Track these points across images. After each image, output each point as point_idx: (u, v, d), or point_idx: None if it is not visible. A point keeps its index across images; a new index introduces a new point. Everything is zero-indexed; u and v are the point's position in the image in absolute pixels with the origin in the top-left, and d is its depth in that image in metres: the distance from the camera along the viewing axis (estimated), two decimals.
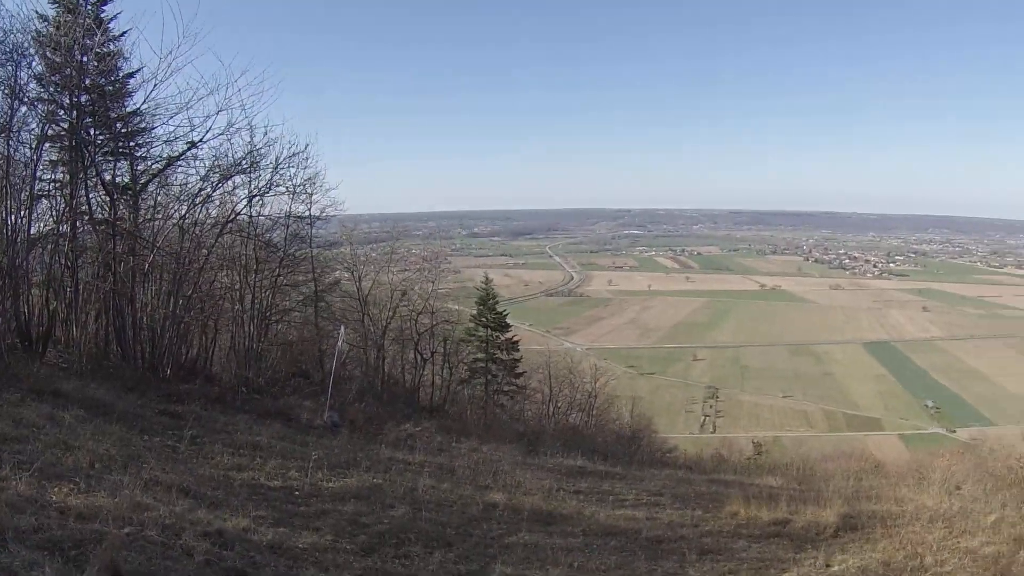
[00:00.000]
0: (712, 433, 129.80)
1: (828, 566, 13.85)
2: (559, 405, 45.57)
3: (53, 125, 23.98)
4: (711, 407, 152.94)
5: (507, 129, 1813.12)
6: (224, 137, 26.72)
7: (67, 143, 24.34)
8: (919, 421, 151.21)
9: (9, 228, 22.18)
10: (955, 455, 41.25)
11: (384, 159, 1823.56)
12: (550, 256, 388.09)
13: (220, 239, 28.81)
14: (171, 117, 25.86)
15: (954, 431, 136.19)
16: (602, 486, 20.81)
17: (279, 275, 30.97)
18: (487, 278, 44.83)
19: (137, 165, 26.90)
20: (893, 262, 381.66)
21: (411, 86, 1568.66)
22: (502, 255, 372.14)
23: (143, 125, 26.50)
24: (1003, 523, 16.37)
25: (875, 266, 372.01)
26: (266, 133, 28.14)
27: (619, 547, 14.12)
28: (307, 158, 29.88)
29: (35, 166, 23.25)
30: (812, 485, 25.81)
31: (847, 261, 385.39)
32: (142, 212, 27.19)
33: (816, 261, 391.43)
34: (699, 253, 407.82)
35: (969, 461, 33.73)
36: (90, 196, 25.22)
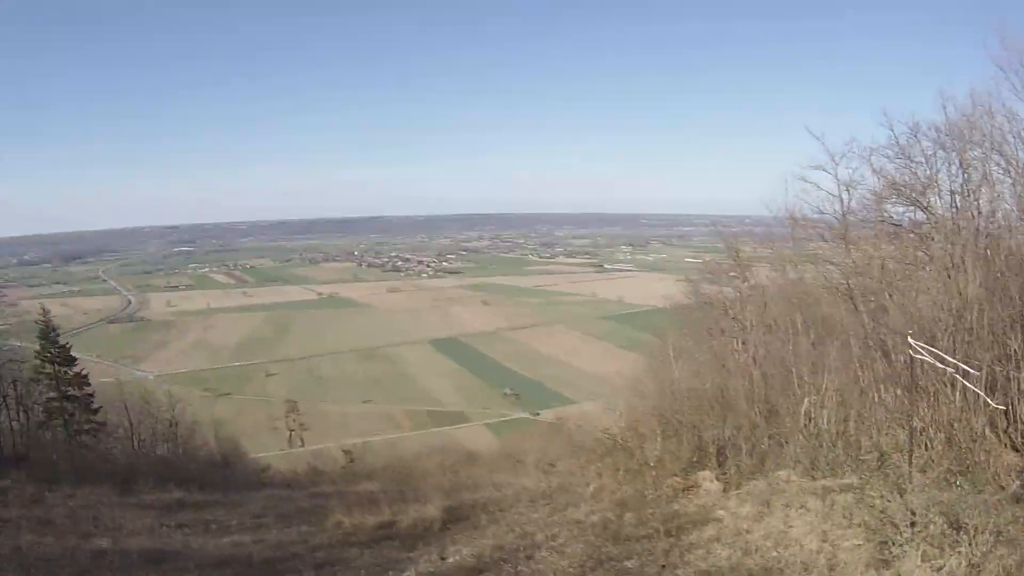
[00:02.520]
0: (301, 447, 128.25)
1: (443, 558, 14.73)
2: (143, 438, 43.92)
3: None
4: (295, 420, 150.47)
5: (42, 144, 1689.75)
6: None
7: None
8: (502, 409, 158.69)
9: None
10: (544, 436, 44.26)
11: None
12: (105, 280, 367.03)
13: None
14: None
15: (538, 414, 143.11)
16: (204, 516, 20.76)
17: None
18: (44, 309, 42.09)
19: None
20: (446, 261, 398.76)
21: None
22: (56, 283, 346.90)
23: None
24: (603, 491, 18.14)
25: (428, 266, 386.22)
26: None
27: (235, 575, 14.41)
28: None
29: None
30: (411, 484, 26.91)
31: (400, 263, 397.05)
32: None
33: (370, 266, 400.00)
34: (252, 267, 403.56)
35: (559, 440, 36.42)
36: None
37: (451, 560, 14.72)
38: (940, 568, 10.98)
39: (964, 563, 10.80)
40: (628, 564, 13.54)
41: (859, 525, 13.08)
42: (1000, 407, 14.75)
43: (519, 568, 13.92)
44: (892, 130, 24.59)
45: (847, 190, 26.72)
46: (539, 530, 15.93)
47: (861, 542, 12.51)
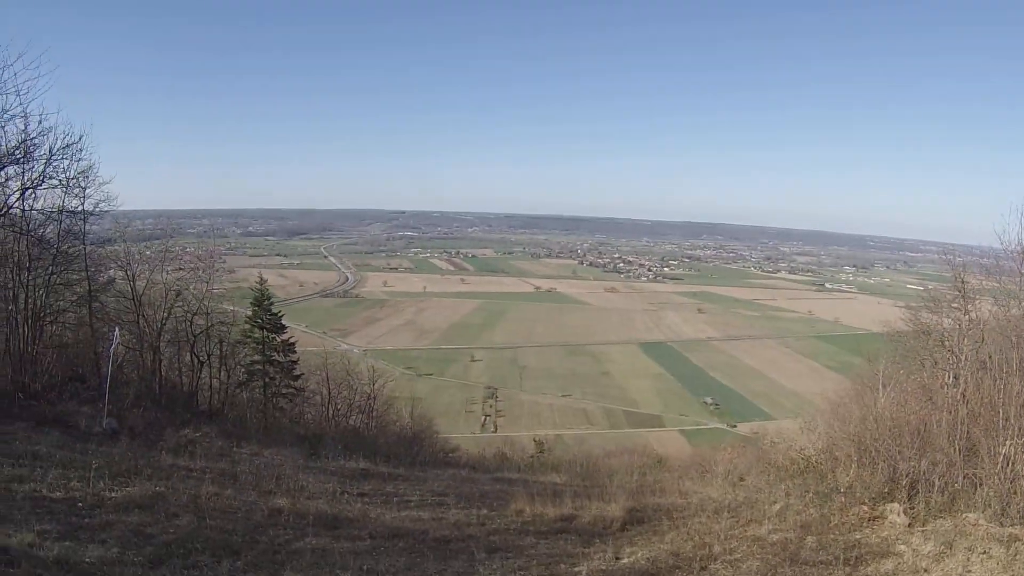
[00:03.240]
0: (494, 432, 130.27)
1: (618, 558, 14.43)
2: (339, 407, 45.09)
3: None
4: (491, 407, 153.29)
5: (282, 127, 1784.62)
6: None
7: None
8: (699, 417, 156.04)
9: None
10: (737, 449, 43.23)
11: (157, 154, 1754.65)
12: (325, 256, 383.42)
13: None
14: None
15: (735, 426, 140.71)
16: (386, 488, 20.95)
17: (52, 273, 29.46)
18: (262, 278, 43.74)
19: None
20: (667, 267, 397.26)
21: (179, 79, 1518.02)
22: (277, 255, 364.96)
23: None
24: (788, 511, 17.41)
25: (649, 270, 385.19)
26: (40, 121, 26.71)
27: (407, 548, 14.34)
28: (81, 150, 28.41)
29: None
30: (596, 481, 26.64)
31: (621, 265, 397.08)
32: None
33: (591, 265, 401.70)
34: (474, 255, 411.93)
35: (751, 454, 35.50)
36: None
37: (625, 561, 14.43)
38: None
39: None
40: None
41: None
42: None
43: None
44: None
45: None
46: (718, 542, 15.43)
47: None
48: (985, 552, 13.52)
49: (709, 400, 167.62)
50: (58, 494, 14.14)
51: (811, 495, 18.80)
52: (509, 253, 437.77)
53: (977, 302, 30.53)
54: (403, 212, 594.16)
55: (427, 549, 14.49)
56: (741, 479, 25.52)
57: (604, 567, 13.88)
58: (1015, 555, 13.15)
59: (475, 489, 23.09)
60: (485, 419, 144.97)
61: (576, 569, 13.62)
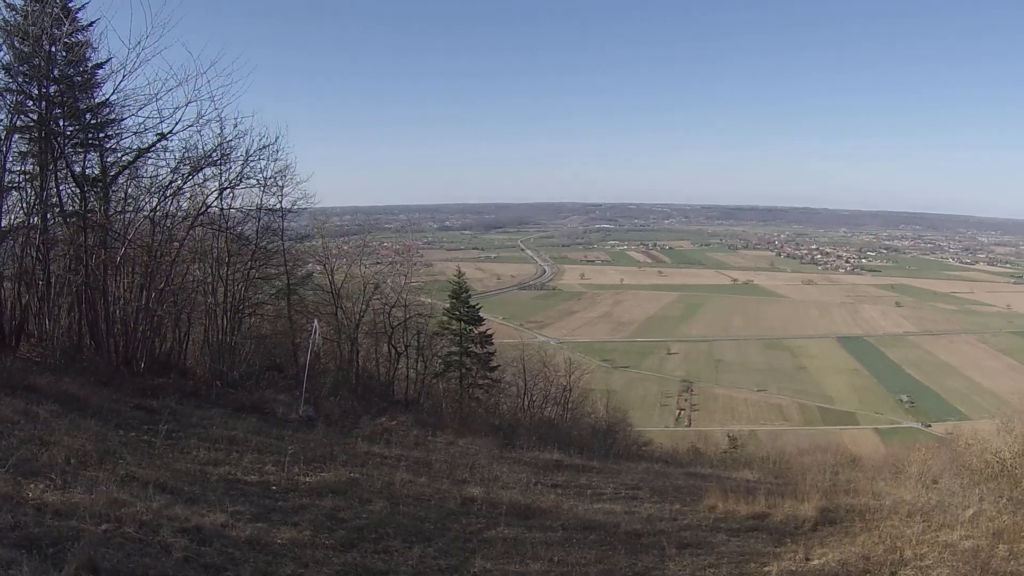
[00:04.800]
0: (687, 427, 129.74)
1: (808, 559, 13.80)
2: (534, 399, 45.41)
3: (22, 116, 23.67)
4: (686, 400, 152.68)
5: (478, 124, 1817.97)
6: (194, 129, 26.37)
7: (36, 134, 24.03)
8: (894, 415, 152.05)
9: None
10: (931, 449, 41.46)
11: (356, 153, 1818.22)
12: (522, 249, 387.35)
13: (191, 232, 28.51)
14: (140, 108, 25.54)
15: (929, 425, 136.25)
16: (579, 480, 20.77)
17: (251, 268, 30.58)
18: (459, 271, 44.27)
19: (107, 157, 26.49)
20: (865, 258, 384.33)
21: (384, 79, 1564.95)
22: (474, 248, 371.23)
23: (112, 116, 26.17)
24: (981, 517, 16.37)
25: (847, 261, 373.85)
26: (236, 125, 27.83)
27: (598, 541, 14.04)
28: (277, 150, 29.53)
29: (4, 157, 22.94)
30: (789, 479, 25.80)
31: (819, 256, 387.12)
32: (112, 204, 26.84)
33: (788, 256, 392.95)
34: (671, 247, 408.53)
35: (945, 455, 33.86)
36: (60, 188, 24.90)
37: (815, 562, 13.81)
38: None
39: None
40: None
41: None
42: None
43: None
44: None
45: None
46: (908, 547, 14.60)
47: None
48: None
49: (904, 398, 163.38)
50: (252, 477, 14.48)
51: (1005, 501, 17.86)
52: (706, 245, 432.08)
53: None
54: (600, 205, 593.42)
55: (618, 542, 14.18)
56: (935, 481, 24.33)
57: (794, 568, 13.38)
58: None
59: (668, 483, 22.67)
60: (679, 413, 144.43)
61: (766, 569, 13.19)
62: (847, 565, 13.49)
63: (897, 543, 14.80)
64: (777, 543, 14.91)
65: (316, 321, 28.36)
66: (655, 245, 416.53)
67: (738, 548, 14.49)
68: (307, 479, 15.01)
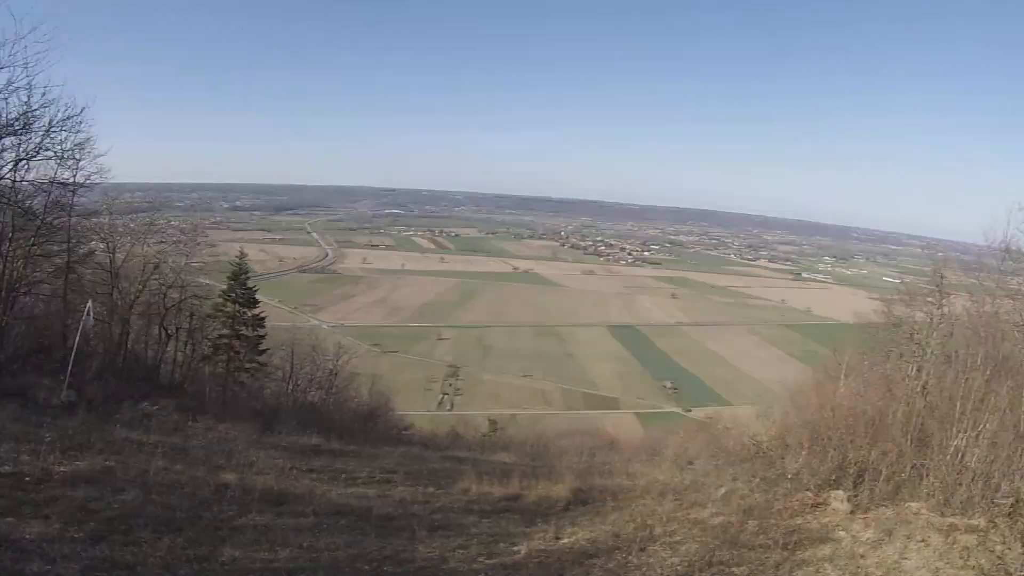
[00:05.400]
0: (449, 411, 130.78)
1: (558, 538, 14.61)
2: (299, 383, 45.09)
3: None
4: (451, 385, 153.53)
5: (274, 104, 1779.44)
6: (1, 96, 24.94)
7: None
8: (656, 401, 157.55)
9: None
10: (689, 433, 43.73)
11: (152, 128, 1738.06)
12: (308, 232, 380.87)
13: None
14: None
15: (690, 410, 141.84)
16: (336, 464, 21.11)
17: (33, 245, 29.08)
18: (242, 252, 43.51)
19: None
20: (648, 251, 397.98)
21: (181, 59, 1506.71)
22: (261, 230, 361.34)
23: None
24: (733, 495, 17.69)
25: (630, 254, 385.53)
26: (44, 94, 26.31)
27: (349, 526, 14.47)
28: (80, 122, 28.03)
29: None
30: (545, 461, 26.92)
31: (603, 248, 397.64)
32: None
33: (572, 247, 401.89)
34: (457, 234, 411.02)
35: (703, 438, 35.89)
36: None
37: (565, 541, 14.62)
38: None
39: None
40: (737, 571, 13.21)
41: (973, 568, 12.69)
42: None
43: (629, 559, 13.63)
44: None
45: None
46: (659, 524, 15.66)
47: None
48: (923, 540, 13.78)
49: (668, 384, 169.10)
50: (6, 468, 14.04)
51: (758, 480, 19.12)
52: (493, 233, 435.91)
53: (952, 297, 31.15)
54: (394, 190, 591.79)
55: (369, 527, 14.60)
56: (690, 463, 25.83)
57: (544, 547, 14.08)
58: (952, 544, 13.42)
59: (424, 467, 23.31)
60: (443, 397, 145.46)
61: (516, 548, 13.84)
62: (596, 543, 14.37)
63: (648, 521, 15.79)
64: (528, 524, 15.69)
65: (90, 302, 27.32)
66: (442, 232, 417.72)
67: (489, 529, 15.19)
68: (62, 468, 14.62)
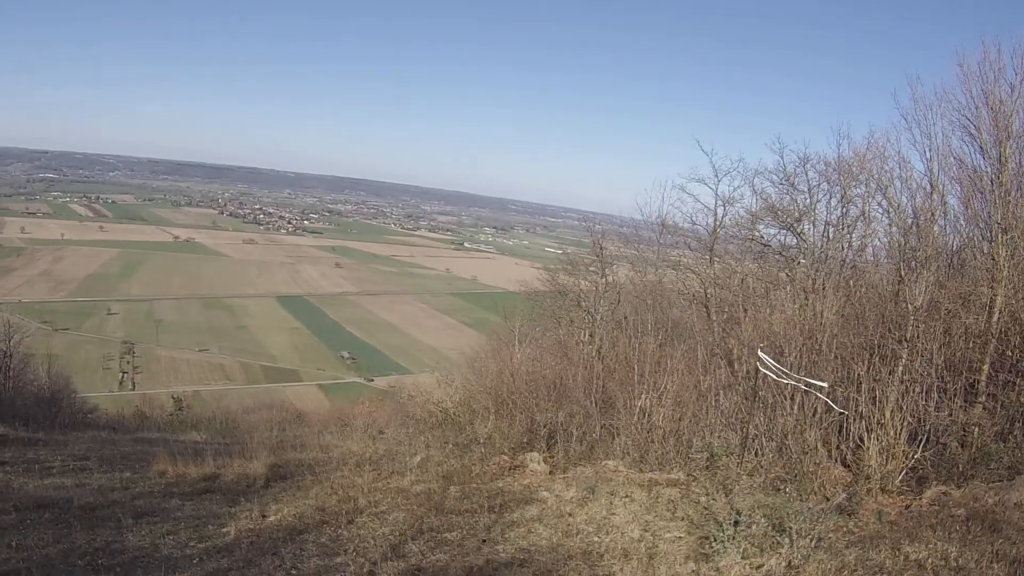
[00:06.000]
0: (132, 390, 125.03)
1: (265, 516, 14.54)
2: None
3: None
4: (128, 363, 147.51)
5: None
6: None
7: None
8: (336, 372, 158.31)
9: None
10: (375, 402, 44.24)
11: None
12: None
13: None
14: None
15: (372, 380, 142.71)
16: (27, 454, 20.03)
17: None
18: None
19: None
20: (308, 220, 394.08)
21: None
22: None
23: None
24: (430, 462, 18.21)
25: (290, 223, 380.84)
26: None
27: (54, 519, 13.89)
28: None
29: None
30: (237, 438, 26.75)
31: (262, 216, 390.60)
32: None
33: (231, 215, 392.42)
34: (114, 201, 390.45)
35: (389, 408, 36.53)
36: None
37: (272, 519, 14.59)
38: (760, 567, 11.39)
39: (784, 564, 11.23)
40: (449, 536, 13.57)
41: (682, 519, 13.58)
42: (836, 419, 15.29)
43: (339, 532, 13.85)
44: (782, 157, 25.92)
45: (723, 205, 28.28)
46: (362, 495, 15.92)
47: (683, 535, 12.93)
48: (627, 496, 14.76)
49: (346, 354, 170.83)
50: None
51: (451, 446, 19.77)
52: (150, 200, 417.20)
53: (615, 267, 33.20)
54: (46, 152, 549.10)
55: (73, 518, 14.03)
56: (381, 432, 26.28)
57: (252, 526, 14.03)
58: (656, 498, 14.50)
59: (116, 451, 22.49)
60: (123, 376, 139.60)
61: (224, 530, 13.71)
62: (304, 518, 14.45)
63: (350, 492, 16.02)
64: (232, 503, 15.54)
65: None
66: (98, 198, 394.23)
67: (193, 512, 14.97)
68: None
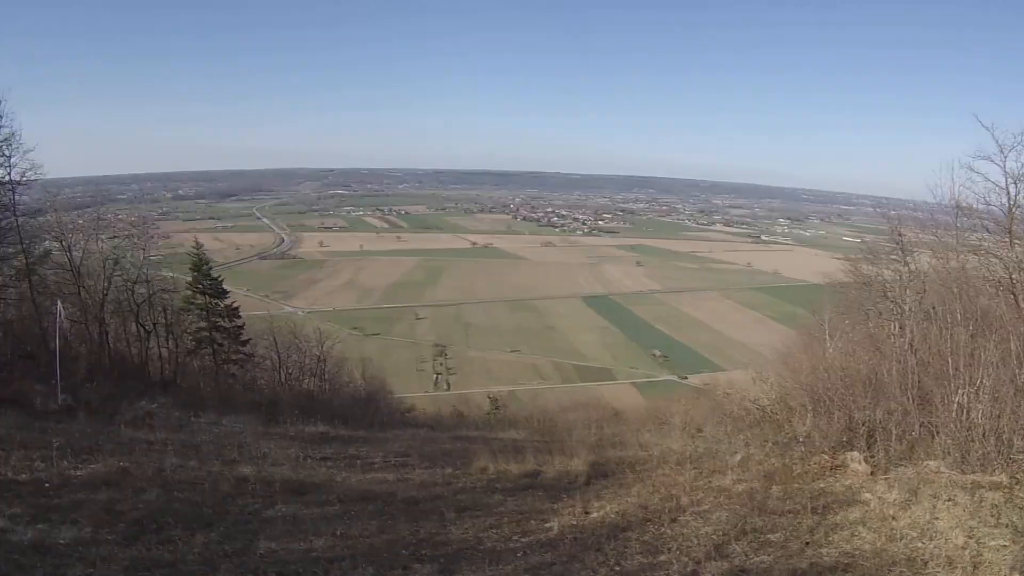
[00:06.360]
0: (447, 391, 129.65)
1: (587, 512, 14.47)
2: (290, 371, 44.86)
3: None
4: (441, 365, 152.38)
5: (208, 89, 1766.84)
6: None
7: None
8: (649, 370, 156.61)
9: None
10: (691, 400, 43.64)
11: (83, 119, 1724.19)
12: (259, 218, 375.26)
13: None
14: None
15: (686, 378, 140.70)
16: (348, 451, 21.03)
17: None
18: (197, 242, 42.91)
19: None
20: (602, 220, 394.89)
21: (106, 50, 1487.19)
22: (210, 218, 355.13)
23: None
24: (750, 461, 17.61)
25: (584, 224, 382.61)
26: None
27: (377, 511, 14.37)
28: (1, 116, 27.81)
29: None
30: (556, 436, 26.77)
31: (556, 219, 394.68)
32: None
33: (525, 219, 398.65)
34: (407, 212, 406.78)
35: (706, 405, 35.90)
36: None
37: (595, 515, 14.48)
38: None
39: None
40: (772, 537, 13.07)
41: (1006, 526, 12.56)
42: None
43: (663, 530, 13.55)
44: None
45: (1014, 183, 25.90)
46: (684, 493, 15.54)
47: (1007, 543, 11.97)
48: (950, 499, 13.72)
49: (657, 352, 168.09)
50: (24, 476, 14.01)
51: (770, 445, 19.06)
52: (442, 209, 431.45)
53: (916, 254, 31.27)
54: (332, 170, 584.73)
55: (397, 511, 14.51)
56: (699, 430, 25.71)
57: (575, 522, 13.96)
58: (980, 502, 13.37)
59: (436, 448, 23.22)
60: (437, 377, 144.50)
61: (547, 525, 13.71)
62: (626, 515, 14.24)
63: (672, 491, 15.70)
64: (553, 499, 15.55)
65: (59, 303, 27.13)
66: (391, 210, 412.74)
67: (516, 507, 15.06)
68: (78, 472, 14.61)
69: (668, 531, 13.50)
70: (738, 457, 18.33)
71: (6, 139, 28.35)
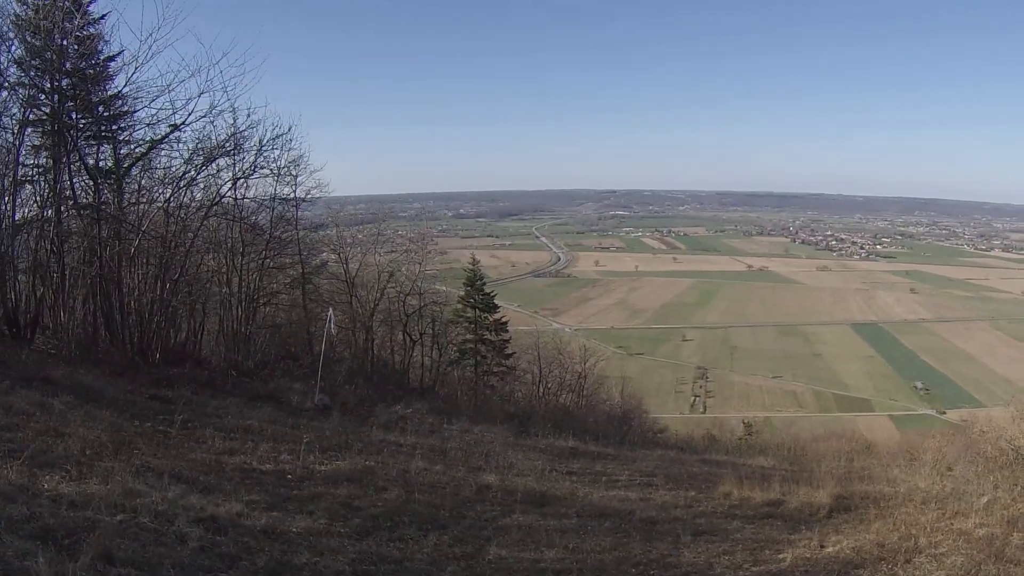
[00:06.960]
0: (703, 413, 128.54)
1: (822, 546, 13.71)
2: (549, 386, 45.36)
3: (34, 109, 23.77)
4: (701, 387, 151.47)
5: (493, 112, 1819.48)
6: (207, 119, 26.52)
7: (49, 127, 24.10)
8: (909, 402, 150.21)
9: None
10: (946, 436, 41.26)
11: (370, 143, 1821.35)
12: (537, 237, 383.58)
13: (206, 222, 28.63)
14: (153, 100, 25.79)
15: (944, 412, 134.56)
16: (594, 467, 20.73)
17: (266, 258, 30.77)
18: (474, 259, 44.36)
19: (120, 149, 26.61)
20: (880, 244, 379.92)
21: (397, 73, 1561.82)
22: (488, 236, 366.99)
23: (125, 108, 26.27)
24: (996, 505, 16.23)
25: (862, 248, 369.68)
26: (249, 115, 27.94)
27: (613, 528, 14.01)
28: (290, 140, 29.63)
29: (17, 151, 23.03)
30: (804, 466, 25.73)
31: (834, 243, 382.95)
32: (126, 196, 27.04)
33: (803, 243, 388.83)
34: (685, 234, 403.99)
35: (960, 442, 33.78)
36: (74, 181, 24.96)
37: (830, 550, 13.68)
38: None
39: None
40: None
41: None
42: None
43: (896, 570, 12.69)
44: None
45: None
46: (924, 534, 14.44)
47: None
48: None
49: (919, 385, 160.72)
50: (268, 466, 14.53)
51: (1020, 489, 17.51)
52: (721, 231, 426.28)
53: None
54: (614, 192, 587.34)
55: (633, 530, 14.13)
56: (949, 469, 24.19)
57: (808, 555, 13.29)
58: None
59: (683, 470, 22.64)
60: (695, 400, 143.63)
61: (780, 556, 13.12)
62: (861, 552, 13.42)
63: (912, 530, 14.70)
64: (792, 530, 14.80)
65: (331, 310, 28.35)
66: (669, 232, 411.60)
67: (753, 535, 14.44)
68: (322, 467, 15.05)
69: (900, 572, 12.65)
70: (984, 499, 16.92)
71: (294, 160, 30.47)
